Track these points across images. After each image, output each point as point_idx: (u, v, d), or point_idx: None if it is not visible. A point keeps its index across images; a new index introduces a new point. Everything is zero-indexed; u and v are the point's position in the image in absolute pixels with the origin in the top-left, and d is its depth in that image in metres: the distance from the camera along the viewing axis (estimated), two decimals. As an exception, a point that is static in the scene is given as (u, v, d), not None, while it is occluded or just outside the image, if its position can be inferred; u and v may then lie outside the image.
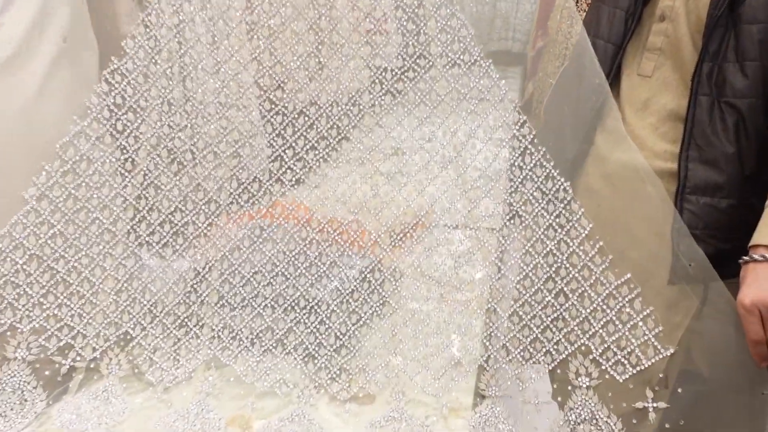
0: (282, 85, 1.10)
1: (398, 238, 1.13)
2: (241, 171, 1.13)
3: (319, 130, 1.11)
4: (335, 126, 1.12)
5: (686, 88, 1.10)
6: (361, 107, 1.11)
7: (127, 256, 1.09)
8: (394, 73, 1.08)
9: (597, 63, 1.01)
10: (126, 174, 1.09)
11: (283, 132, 1.11)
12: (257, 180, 1.12)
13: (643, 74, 1.13)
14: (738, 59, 1.03)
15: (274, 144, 1.11)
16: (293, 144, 1.11)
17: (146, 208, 1.09)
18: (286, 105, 1.12)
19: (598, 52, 1.07)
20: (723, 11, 1.02)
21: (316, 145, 1.12)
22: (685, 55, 1.08)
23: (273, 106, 1.11)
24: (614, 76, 1.15)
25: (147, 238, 1.09)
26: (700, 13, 1.06)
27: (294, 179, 1.12)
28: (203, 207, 1.11)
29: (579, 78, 1.07)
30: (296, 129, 1.10)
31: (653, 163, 1.08)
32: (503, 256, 1.08)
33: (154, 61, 1.07)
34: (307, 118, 1.11)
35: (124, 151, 1.08)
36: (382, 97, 1.09)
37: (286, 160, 1.11)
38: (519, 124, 1.04)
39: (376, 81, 1.09)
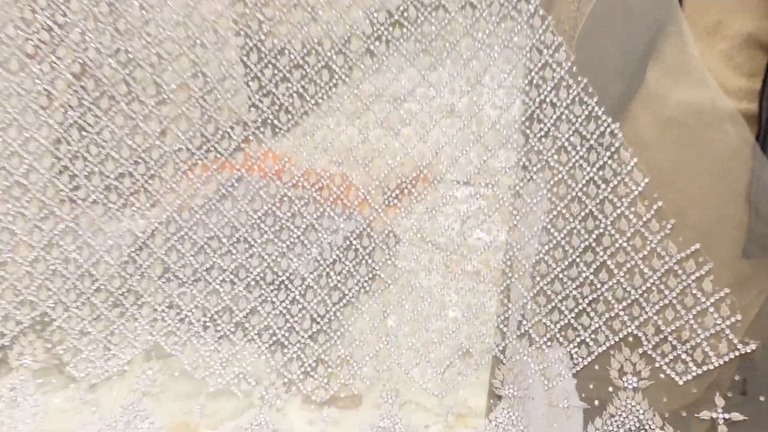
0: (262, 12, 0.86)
1: (393, 194, 0.89)
2: (207, 123, 0.89)
3: (306, 71, 0.87)
4: (326, 66, 0.87)
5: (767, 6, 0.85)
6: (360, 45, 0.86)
7: (45, 217, 0.85)
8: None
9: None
10: (40, 111, 0.84)
11: (260, 74, 0.87)
12: (225, 134, 0.88)
13: (711, -12, 0.88)
14: None
15: (251, 87, 0.87)
16: (272, 89, 0.86)
17: (68, 154, 0.85)
18: (263, 40, 0.87)
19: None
20: None
21: (301, 90, 0.88)
22: (770, -39, 0.83)
23: (248, 41, 0.87)
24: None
25: (69, 194, 0.85)
26: None
27: (273, 133, 0.88)
28: (143, 154, 0.87)
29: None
30: (277, 71, 0.86)
31: (725, 103, 0.84)
32: (527, 218, 0.84)
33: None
34: (291, 57, 0.86)
35: (37, 81, 0.83)
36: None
37: (264, 109, 0.87)
38: (553, 47, 0.80)
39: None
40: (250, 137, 0.88)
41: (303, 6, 0.86)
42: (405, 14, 0.85)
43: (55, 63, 0.84)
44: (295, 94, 0.87)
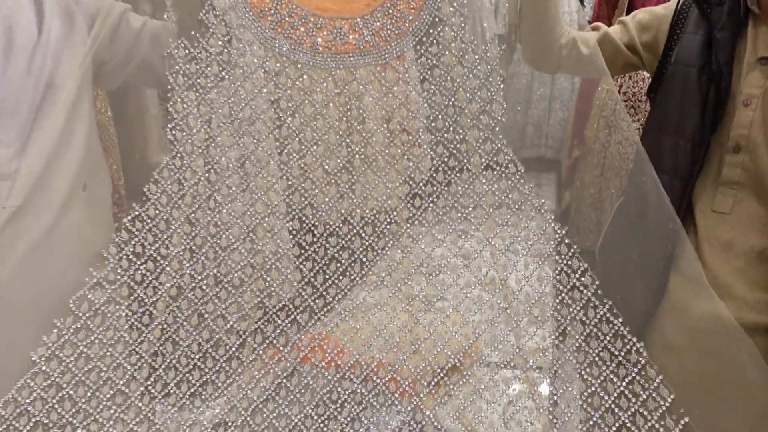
0: (311, 202, 1.02)
1: (434, 382, 0.99)
2: (268, 298, 1.03)
3: (352, 251, 1.01)
4: (370, 247, 1.02)
5: (777, 226, 0.95)
6: (398, 224, 1.01)
7: (140, 422, 0.98)
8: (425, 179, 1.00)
9: (667, 204, 0.89)
10: (143, 328, 1.00)
11: (313, 254, 1.02)
12: (285, 307, 1.02)
13: (720, 210, 0.99)
14: None
15: (303, 268, 1.01)
16: (324, 267, 1.01)
17: (162, 366, 0.99)
18: (316, 224, 1.03)
19: (663, 188, 0.94)
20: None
21: (349, 268, 1.02)
22: (770, 190, 0.95)
23: (302, 225, 1.03)
24: (685, 213, 1.01)
25: (162, 400, 0.98)
26: (784, 143, 0.93)
27: (326, 306, 1.01)
28: (224, 364, 1.00)
29: (643, 219, 0.94)
30: (327, 250, 1.01)
31: (746, 316, 0.92)
32: (565, 427, 0.91)
33: (177, 206, 1.01)
34: (339, 238, 1.01)
35: (142, 304, 1.00)
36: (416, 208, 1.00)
37: (317, 285, 1.01)
38: (580, 272, 0.91)
39: (411, 195, 1.01)
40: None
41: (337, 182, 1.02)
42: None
43: (157, 287, 1.00)
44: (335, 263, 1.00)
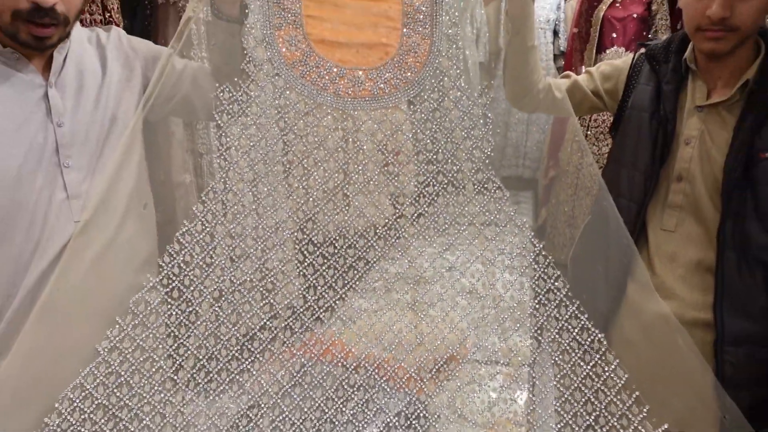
0: (313, 217, 1.22)
1: (434, 371, 1.19)
2: (275, 298, 1.22)
3: (346, 260, 1.21)
4: (362, 258, 1.22)
5: (710, 241, 1.17)
6: (387, 239, 1.22)
7: (186, 403, 1.16)
8: (410, 198, 1.21)
9: (623, 225, 1.10)
10: (190, 325, 1.18)
11: (314, 261, 1.22)
12: (291, 307, 1.21)
13: (667, 229, 1.21)
14: (759, 217, 1.11)
15: (307, 273, 1.21)
16: (324, 273, 1.20)
17: (206, 357, 1.18)
18: (316, 236, 1.23)
19: (621, 210, 1.17)
20: (739, 174, 1.12)
21: (344, 274, 1.21)
22: (706, 212, 1.17)
23: (305, 236, 1.23)
24: (640, 230, 1.23)
25: (205, 386, 1.17)
26: (716, 175, 1.16)
27: (326, 307, 1.21)
28: (258, 356, 1.19)
29: (605, 236, 1.16)
30: (326, 259, 1.21)
31: (687, 314, 1.14)
32: (542, 403, 1.12)
33: (220, 222, 1.20)
34: (335, 249, 1.21)
35: (189, 304, 1.18)
36: (402, 224, 1.21)
37: (318, 288, 1.20)
38: (554, 278, 1.13)
39: (397, 210, 1.22)
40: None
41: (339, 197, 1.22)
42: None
43: (202, 290, 1.19)
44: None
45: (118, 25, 1.65)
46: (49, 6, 1.04)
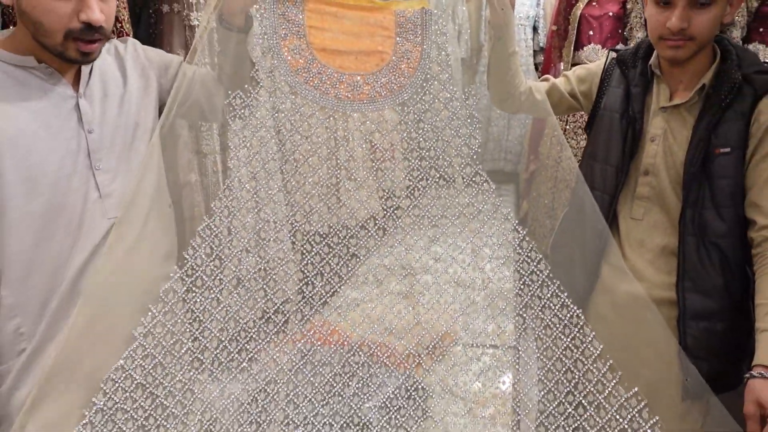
0: (318, 210, 1.36)
1: (430, 347, 1.34)
2: (286, 284, 1.35)
3: (349, 248, 1.35)
4: (363, 246, 1.36)
5: (674, 228, 1.32)
6: (385, 229, 1.36)
7: (213, 380, 1.29)
8: (405, 191, 1.35)
9: (599, 212, 1.25)
10: (212, 311, 1.31)
11: (320, 251, 1.35)
12: (301, 292, 1.35)
13: (636, 218, 1.36)
14: (715, 206, 1.26)
15: (314, 261, 1.35)
16: (329, 261, 1.34)
17: (227, 339, 1.31)
18: (322, 227, 1.37)
19: (596, 200, 1.31)
20: (697, 168, 1.27)
21: (348, 262, 1.35)
22: (669, 202, 1.32)
23: (311, 228, 1.36)
24: (612, 220, 1.38)
25: (227, 364, 1.30)
26: (677, 169, 1.31)
27: (332, 292, 1.34)
28: (273, 336, 1.33)
29: (582, 224, 1.30)
30: (331, 248, 1.34)
31: (654, 293, 1.29)
32: (527, 373, 1.27)
33: (235, 217, 1.33)
34: (339, 239, 1.35)
35: (211, 291, 1.31)
36: (398, 215, 1.35)
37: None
38: (536, 261, 1.27)
39: (393, 203, 1.36)
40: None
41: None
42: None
43: (222, 279, 1.32)
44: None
45: (128, 35, 1.76)
46: (100, 24, 1.15)
